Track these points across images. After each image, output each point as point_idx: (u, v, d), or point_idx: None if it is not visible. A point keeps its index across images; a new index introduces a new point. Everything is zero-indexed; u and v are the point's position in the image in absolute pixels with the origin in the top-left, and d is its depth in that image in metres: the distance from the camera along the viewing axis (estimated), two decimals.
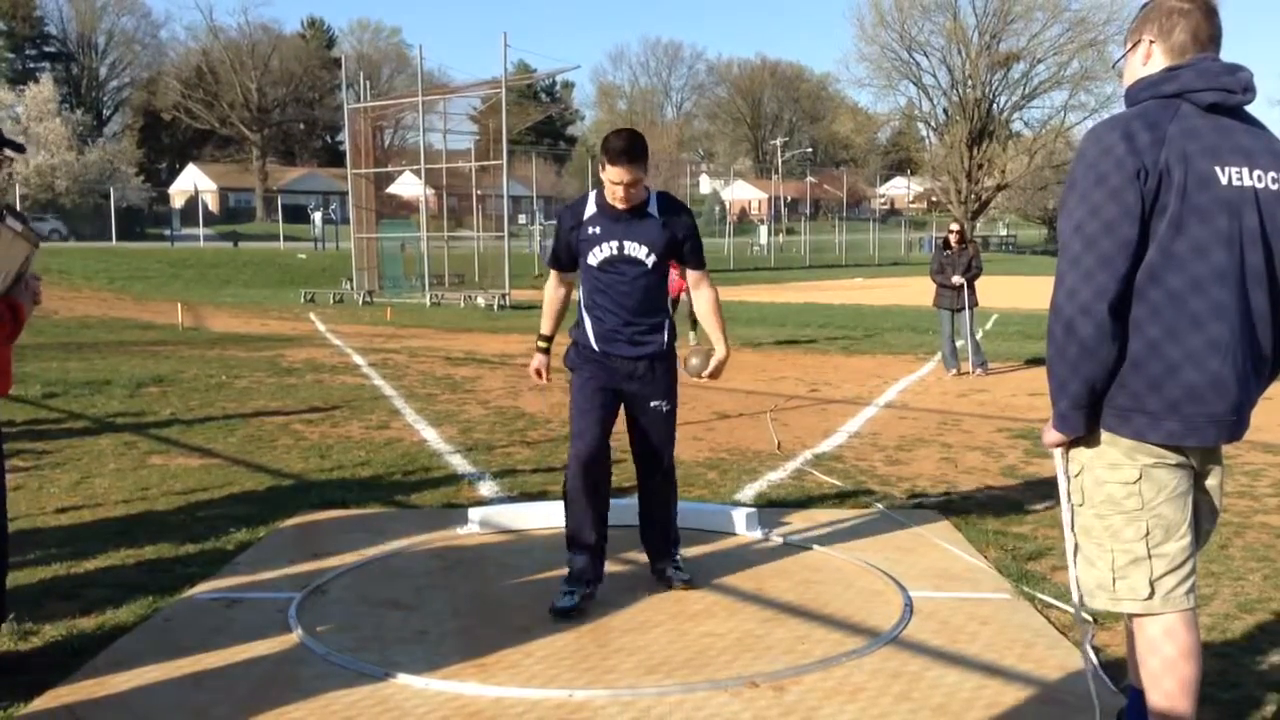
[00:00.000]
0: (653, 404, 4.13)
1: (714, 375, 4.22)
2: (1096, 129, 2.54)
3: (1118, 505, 2.53)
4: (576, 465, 4.05)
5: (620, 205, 3.97)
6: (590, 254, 4.04)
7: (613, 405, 4.12)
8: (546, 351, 4.29)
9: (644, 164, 3.92)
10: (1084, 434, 2.54)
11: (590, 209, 4.07)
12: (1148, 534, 2.52)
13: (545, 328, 4.30)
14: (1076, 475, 2.62)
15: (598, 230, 4.02)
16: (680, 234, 4.07)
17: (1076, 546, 2.65)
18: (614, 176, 3.89)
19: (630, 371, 4.08)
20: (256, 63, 75.61)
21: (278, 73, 77.91)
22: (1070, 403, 2.50)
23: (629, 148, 3.87)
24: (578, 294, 4.26)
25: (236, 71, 74.56)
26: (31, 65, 74.33)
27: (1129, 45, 2.64)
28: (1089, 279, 2.41)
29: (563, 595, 4.00)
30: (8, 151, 3.46)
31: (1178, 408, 2.44)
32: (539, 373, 4.29)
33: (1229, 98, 2.46)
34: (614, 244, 4.01)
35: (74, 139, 48.76)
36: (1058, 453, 2.65)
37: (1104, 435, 2.54)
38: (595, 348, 4.08)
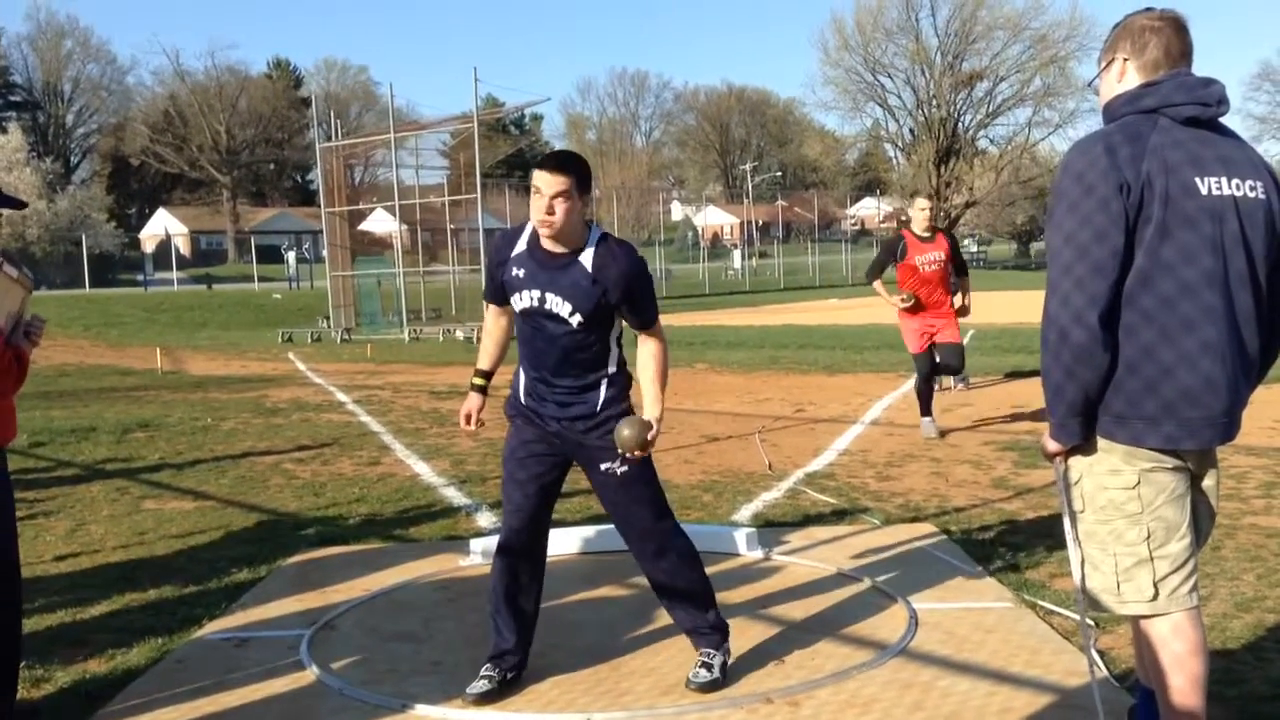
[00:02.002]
0: (603, 466, 3.42)
1: (644, 448, 3.32)
2: (1080, 143, 2.62)
3: (1119, 509, 2.59)
4: (500, 548, 3.57)
5: (544, 232, 3.29)
6: (513, 298, 3.44)
7: (550, 472, 3.52)
8: (483, 390, 3.67)
9: (573, 179, 3.26)
10: (1081, 441, 2.61)
11: (520, 245, 3.43)
12: (1149, 536, 2.58)
13: (482, 362, 3.68)
14: (1076, 482, 2.68)
15: (521, 274, 3.39)
16: (613, 295, 3.33)
17: (1080, 553, 2.70)
18: (537, 181, 3.25)
19: (566, 432, 3.46)
20: (224, 105, 75.69)
21: (246, 114, 77.98)
22: (1067, 410, 2.57)
23: (557, 154, 3.38)
24: None
25: (204, 114, 74.59)
26: None
27: (1103, 63, 2.73)
28: (1082, 287, 2.48)
29: (480, 676, 3.51)
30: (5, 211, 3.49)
31: (1174, 410, 2.51)
32: (469, 417, 3.64)
33: (1205, 110, 2.54)
34: (535, 294, 3.36)
35: (44, 187, 48.53)
36: (1057, 461, 2.71)
37: (1101, 441, 2.60)
38: (523, 401, 3.54)
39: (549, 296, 3.34)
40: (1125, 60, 2.64)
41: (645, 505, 3.50)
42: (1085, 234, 2.48)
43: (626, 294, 3.36)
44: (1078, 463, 2.66)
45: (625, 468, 3.41)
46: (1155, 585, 2.57)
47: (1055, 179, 2.61)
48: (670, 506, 3.65)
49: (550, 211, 3.25)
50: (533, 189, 3.28)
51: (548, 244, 3.35)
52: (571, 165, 3.30)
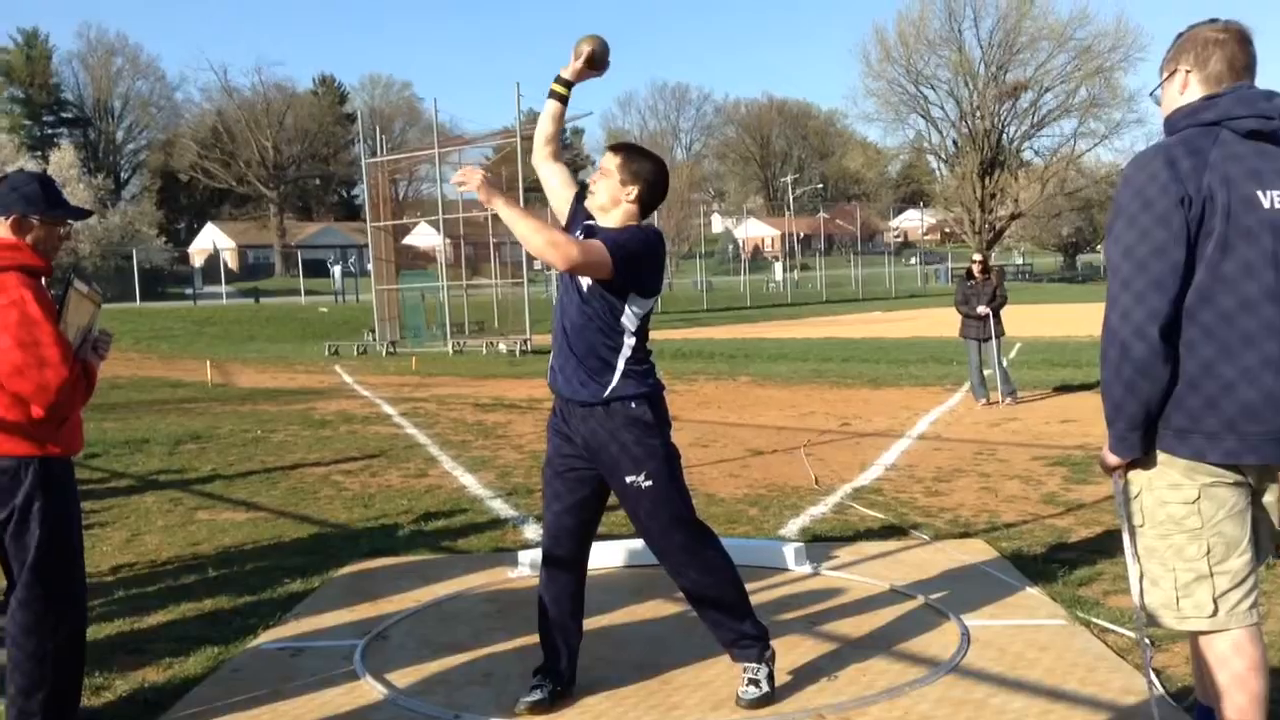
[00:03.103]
0: (628, 480, 3.38)
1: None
2: (1140, 157, 2.61)
3: (1179, 524, 2.57)
4: (542, 562, 3.61)
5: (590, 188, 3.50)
6: None
7: (583, 487, 3.49)
8: (563, 100, 3.67)
9: (620, 160, 3.44)
10: (1141, 455, 2.59)
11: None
12: (1209, 551, 2.55)
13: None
14: (1136, 497, 2.66)
15: (580, 235, 3.48)
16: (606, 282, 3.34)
17: (1139, 568, 2.67)
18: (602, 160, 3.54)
19: (585, 437, 3.41)
20: (271, 121, 76.77)
21: (292, 130, 79.09)
22: (1127, 424, 2.55)
23: (622, 142, 3.65)
24: None
25: (252, 130, 75.69)
26: (50, 132, 75.61)
27: (1165, 74, 2.71)
28: (1141, 301, 2.47)
29: (530, 688, 3.54)
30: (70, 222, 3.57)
31: (1234, 426, 2.48)
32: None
33: (1267, 124, 2.52)
34: None
35: (95, 203, 49.44)
36: (1116, 475, 2.69)
37: (1161, 456, 2.58)
38: (551, 388, 3.54)
39: None
40: (1188, 72, 2.62)
41: (670, 525, 3.45)
42: (1144, 248, 2.47)
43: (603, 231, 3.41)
44: (1137, 477, 2.64)
45: (650, 482, 3.37)
46: (1215, 601, 2.55)
47: (1116, 193, 2.60)
48: (697, 514, 3.59)
49: (593, 184, 3.48)
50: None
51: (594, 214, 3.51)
52: (621, 149, 3.49)
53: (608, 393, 3.37)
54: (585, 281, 3.36)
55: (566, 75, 3.64)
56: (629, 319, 3.39)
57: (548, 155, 3.71)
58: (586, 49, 3.60)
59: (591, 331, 3.38)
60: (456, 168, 29.68)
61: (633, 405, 3.38)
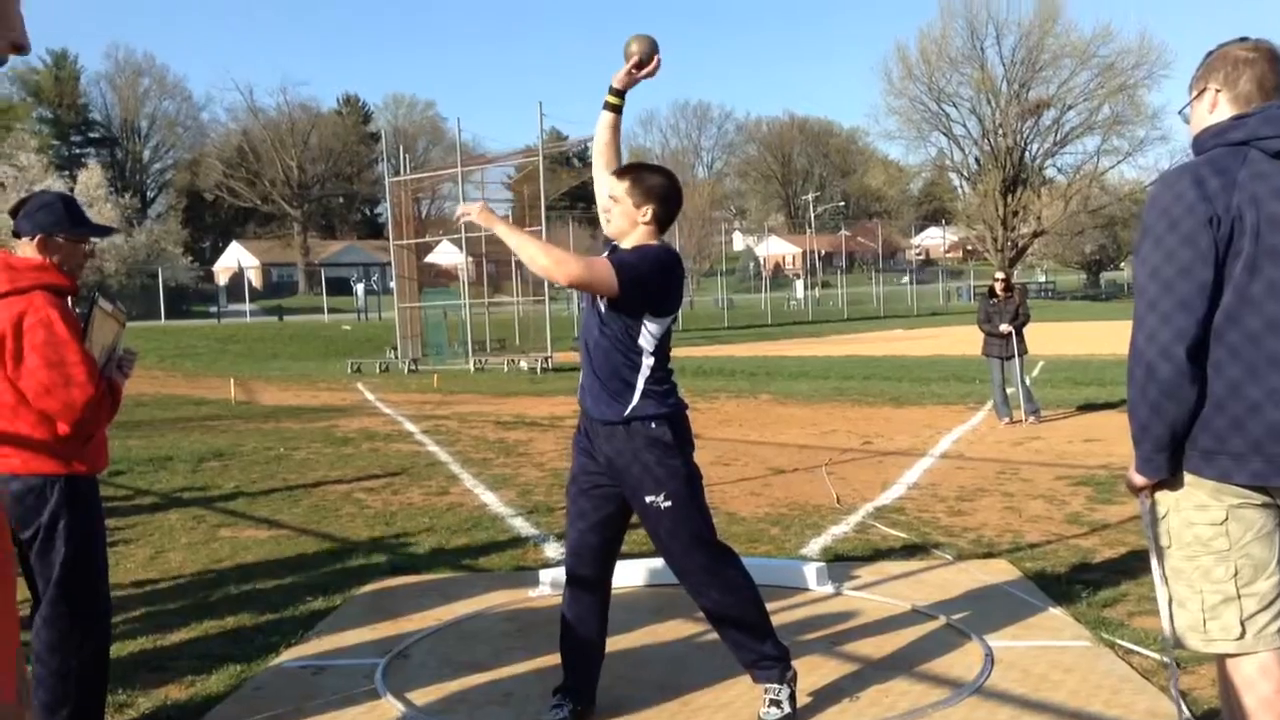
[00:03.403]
0: (648, 499, 3.37)
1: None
2: (1167, 176, 2.60)
3: (1206, 546, 2.55)
4: (566, 588, 3.61)
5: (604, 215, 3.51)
6: None
7: (606, 505, 3.49)
8: (617, 110, 3.65)
9: (628, 184, 3.42)
10: (1168, 476, 2.57)
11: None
12: (1237, 573, 2.53)
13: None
14: (1163, 518, 2.64)
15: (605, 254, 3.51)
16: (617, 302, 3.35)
17: (1167, 590, 2.65)
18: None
19: (608, 454, 3.41)
20: (296, 141, 77.48)
21: (316, 149, 79.80)
22: (1154, 445, 2.53)
23: (626, 164, 3.55)
24: None
25: (277, 150, 76.41)
26: (78, 152, 76.53)
27: (1194, 93, 2.70)
28: (1168, 322, 2.45)
29: (550, 707, 3.56)
30: (93, 240, 3.61)
31: (1261, 447, 2.46)
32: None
33: None
34: None
35: (122, 222, 49.97)
36: (1142, 496, 2.67)
37: (1188, 477, 2.55)
38: (579, 405, 3.56)
39: None
40: (1217, 91, 2.60)
41: (690, 546, 3.43)
42: (1170, 269, 2.45)
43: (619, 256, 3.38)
44: (1164, 498, 2.61)
45: (670, 503, 3.36)
46: (1242, 624, 2.52)
47: (1143, 213, 2.59)
48: (718, 533, 3.57)
49: (606, 214, 3.46)
50: None
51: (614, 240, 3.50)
52: (627, 173, 3.45)
53: (628, 412, 3.36)
54: (603, 302, 3.36)
55: (617, 84, 3.62)
56: (646, 339, 3.38)
57: (604, 165, 3.67)
58: (633, 51, 3.56)
59: (611, 352, 3.38)
60: (479, 186, 29.93)
61: (653, 425, 3.37)
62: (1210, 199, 2.44)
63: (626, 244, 3.45)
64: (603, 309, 3.38)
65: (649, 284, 3.33)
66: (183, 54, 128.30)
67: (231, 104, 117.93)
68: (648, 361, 3.39)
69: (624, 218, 3.42)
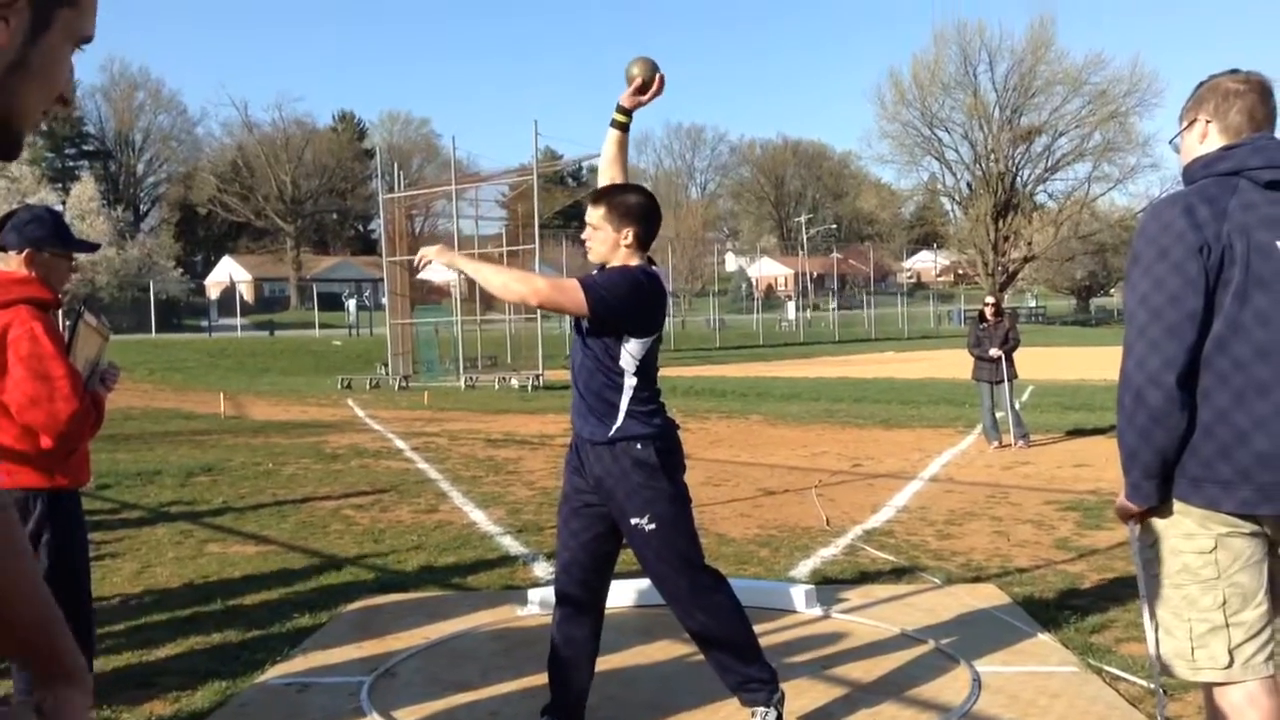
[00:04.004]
0: (633, 521, 3.36)
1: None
2: (1157, 206, 2.62)
3: (1194, 574, 2.55)
4: (556, 607, 3.57)
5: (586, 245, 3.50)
6: None
7: (596, 525, 3.46)
8: (624, 128, 3.72)
9: (604, 210, 3.40)
10: (1157, 504, 2.58)
11: None
12: (1225, 602, 2.53)
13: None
14: (1151, 545, 2.64)
15: None
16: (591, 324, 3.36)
17: (1154, 617, 2.65)
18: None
19: (596, 473, 3.39)
20: (290, 156, 77.46)
21: (311, 165, 79.74)
22: (1142, 472, 2.54)
23: (600, 189, 3.55)
24: None
25: (271, 165, 76.37)
26: (71, 164, 76.39)
27: (1185, 123, 2.72)
28: (1157, 349, 2.47)
29: None
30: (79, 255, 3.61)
31: (1250, 475, 2.47)
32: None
33: None
34: None
35: (115, 235, 49.89)
36: (1131, 523, 2.68)
37: (1177, 505, 2.56)
38: (571, 428, 3.54)
39: None
40: (1208, 122, 2.63)
41: (676, 568, 3.41)
42: (1160, 296, 2.47)
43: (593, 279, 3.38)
44: (1153, 526, 2.62)
45: (654, 525, 3.34)
46: (1230, 652, 2.53)
47: (1133, 241, 2.60)
48: (707, 556, 3.56)
49: (589, 239, 3.44)
50: None
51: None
52: (601, 197, 3.44)
53: (613, 432, 3.35)
54: (585, 323, 3.37)
55: (624, 103, 3.65)
56: (627, 360, 3.35)
57: (608, 179, 3.70)
58: (634, 74, 3.59)
59: (595, 373, 3.37)
60: (473, 204, 29.99)
61: (639, 446, 3.35)
62: (1200, 227, 2.46)
63: (611, 266, 3.45)
64: (584, 329, 3.39)
65: (620, 305, 3.30)
66: (178, 68, 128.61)
67: (226, 119, 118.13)
68: (630, 382, 3.37)
69: (605, 243, 3.41)
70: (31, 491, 3.20)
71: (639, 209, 3.42)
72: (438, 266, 3.53)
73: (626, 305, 3.31)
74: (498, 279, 3.30)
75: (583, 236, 3.47)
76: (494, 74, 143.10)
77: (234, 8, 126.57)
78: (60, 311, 3.42)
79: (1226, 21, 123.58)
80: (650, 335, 3.41)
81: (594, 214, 3.40)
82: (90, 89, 78.60)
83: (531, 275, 3.37)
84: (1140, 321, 2.51)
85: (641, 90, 3.60)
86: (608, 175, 3.71)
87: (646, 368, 3.41)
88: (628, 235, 3.38)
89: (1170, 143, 2.79)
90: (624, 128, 3.68)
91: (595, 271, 3.48)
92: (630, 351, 3.35)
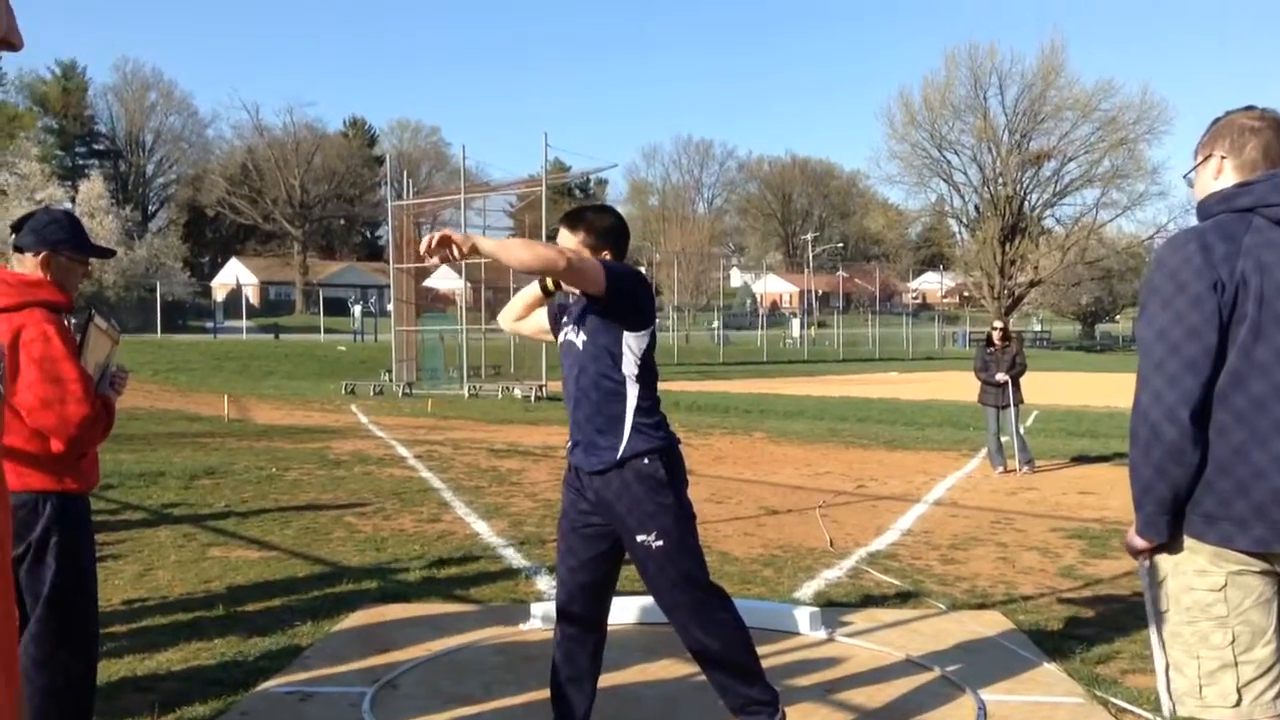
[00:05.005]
0: (639, 539, 3.34)
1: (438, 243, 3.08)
2: (1175, 239, 2.61)
3: (1205, 611, 2.54)
4: (558, 624, 3.56)
5: None
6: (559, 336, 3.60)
7: (597, 544, 3.45)
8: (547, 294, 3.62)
9: (583, 235, 3.43)
10: (1168, 540, 2.56)
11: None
12: (1235, 640, 2.52)
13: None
14: (1162, 581, 2.63)
15: (568, 317, 3.55)
16: (600, 306, 3.35)
17: (1164, 653, 2.64)
18: (559, 240, 3.49)
19: (599, 493, 3.38)
20: (300, 160, 77.71)
21: (320, 170, 80.00)
22: (1156, 508, 2.53)
23: (573, 212, 3.54)
24: None
25: (280, 169, 76.60)
26: (81, 162, 76.64)
27: (1199, 158, 2.72)
28: (1174, 384, 2.46)
29: None
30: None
31: (1265, 513, 2.46)
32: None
33: None
34: (568, 328, 3.50)
35: (123, 235, 49.97)
36: (1141, 558, 2.66)
37: (1188, 541, 2.55)
38: (569, 457, 3.53)
39: (569, 327, 3.47)
40: (1223, 158, 2.63)
41: (681, 586, 3.39)
42: (1177, 331, 2.46)
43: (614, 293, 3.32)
44: (1164, 561, 2.61)
45: (661, 542, 3.32)
46: (1239, 690, 2.51)
47: (1147, 274, 2.60)
48: (711, 573, 3.55)
49: None
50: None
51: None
52: (576, 222, 3.45)
53: (619, 454, 3.32)
54: (583, 334, 3.38)
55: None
56: (629, 362, 3.35)
57: (511, 317, 3.77)
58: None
59: (596, 383, 3.35)
60: (481, 214, 30.03)
61: (645, 462, 3.33)
62: (1215, 265, 2.45)
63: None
64: (584, 337, 3.38)
65: (630, 286, 3.34)
66: (191, 70, 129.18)
67: (237, 121, 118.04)
68: (633, 391, 3.35)
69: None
70: (41, 494, 3.19)
71: (615, 231, 3.48)
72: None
73: (634, 287, 3.36)
74: (527, 252, 3.19)
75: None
76: (504, 85, 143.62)
77: (248, 12, 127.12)
78: (70, 315, 3.41)
79: (1237, 53, 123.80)
80: (647, 328, 3.41)
81: (571, 239, 3.42)
82: (102, 88, 79.10)
83: (557, 247, 3.30)
84: (1157, 355, 2.50)
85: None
86: (511, 315, 3.75)
87: (646, 372, 3.40)
88: (606, 256, 3.40)
89: (1185, 177, 2.79)
90: (549, 294, 3.62)
91: (567, 297, 3.52)
92: (630, 347, 3.35)
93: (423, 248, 3.13)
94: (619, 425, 3.33)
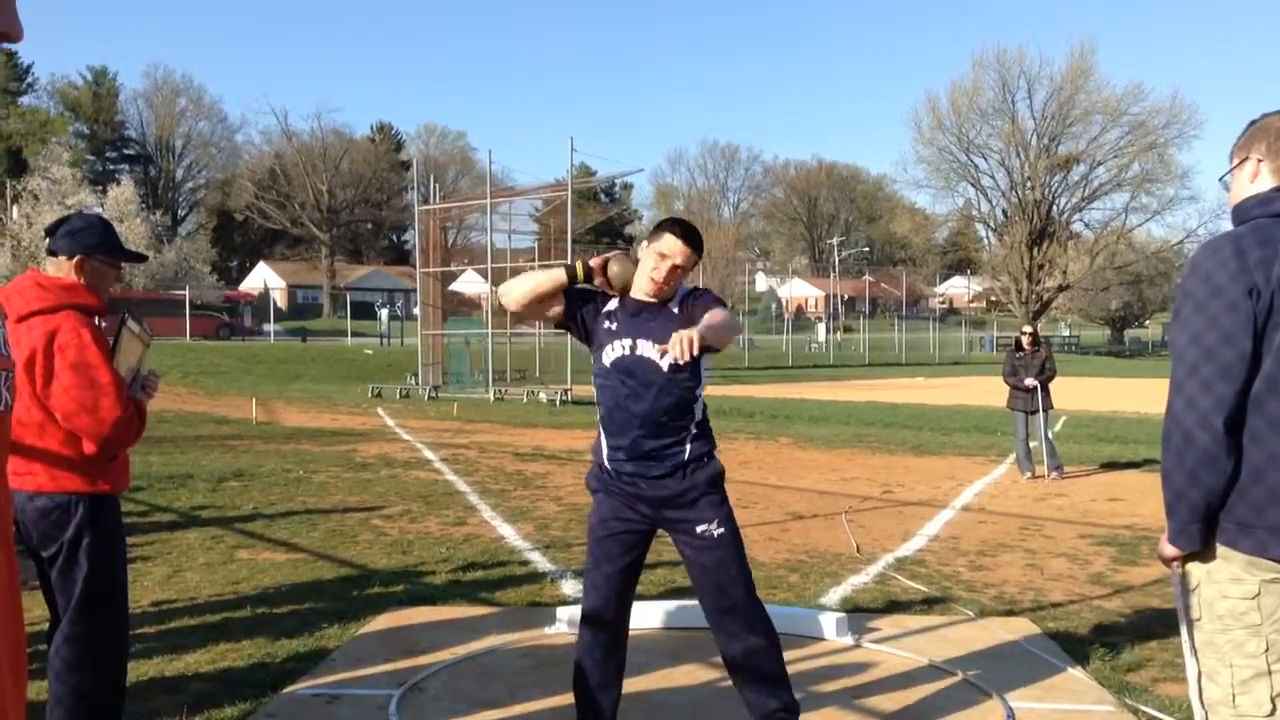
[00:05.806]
0: (700, 529, 3.39)
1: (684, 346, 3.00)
2: (1210, 243, 2.58)
3: (1239, 619, 2.51)
4: (582, 622, 3.57)
5: (657, 283, 3.38)
6: (603, 352, 3.44)
7: (632, 551, 3.49)
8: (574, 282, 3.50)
9: (697, 255, 3.45)
10: (1201, 548, 2.54)
11: (614, 302, 3.51)
12: (1269, 648, 2.48)
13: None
14: (1195, 589, 2.60)
15: (613, 327, 3.44)
16: (699, 316, 3.30)
17: (1197, 661, 2.61)
18: (666, 247, 3.37)
19: (656, 494, 3.41)
20: (328, 165, 78.16)
21: (347, 175, 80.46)
22: (1189, 515, 2.50)
23: (687, 227, 3.47)
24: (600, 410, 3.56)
25: (308, 174, 77.06)
26: (111, 167, 77.44)
27: (1235, 162, 2.69)
28: (1208, 389, 2.43)
29: None
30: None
31: None
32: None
33: None
34: (626, 342, 3.39)
35: (152, 239, 50.36)
36: (1174, 566, 2.63)
37: (1221, 549, 2.52)
38: (610, 468, 3.47)
39: (640, 343, 3.38)
40: (1259, 161, 2.60)
41: (737, 578, 3.42)
42: (1212, 336, 2.43)
43: (708, 306, 3.39)
44: (1196, 569, 2.58)
45: (723, 530, 3.38)
46: (1273, 700, 2.48)
47: (1182, 278, 2.57)
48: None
49: (670, 279, 3.41)
50: (658, 251, 3.39)
51: (653, 285, 3.42)
52: (698, 244, 3.46)
53: (686, 456, 3.41)
54: (661, 347, 3.26)
55: (596, 280, 3.53)
56: (702, 376, 3.49)
57: (527, 302, 3.51)
58: (616, 279, 3.50)
59: (675, 400, 3.38)
60: (507, 218, 30.14)
61: (706, 460, 3.46)
62: (1250, 270, 2.42)
63: (662, 297, 3.46)
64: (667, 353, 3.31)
65: None
66: (220, 76, 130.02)
67: (266, 127, 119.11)
68: (700, 398, 3.50)
69: (684, 276, 3.47)
70: (74, 496, 3.22)
71: (701, 243, 3.55)
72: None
73: None
74: (733, 334, 3.36)
75: (660, 271, 3.38)
76: (530, 90, 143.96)
77: (276, 20, 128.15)
78: (103, 318, 3.44)
79: (1270, 56, 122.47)
80: None
81: (688, 257, 3.41)
82: (133, 94, 79.94)
83: (723, 310, 3.37)
84: (1191, 360, 2.47)
85: (610, 287, 3.54)
86: (532, 297, 3.49)
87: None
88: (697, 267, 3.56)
89: (1220, 180, 2.76)
90: (574, 280, 3.50)
91: (644, 308, 3.46)
92: (706, 366, 3.48)
93: (683, 359, 3.01)
94: (685, 433, 3.42)
